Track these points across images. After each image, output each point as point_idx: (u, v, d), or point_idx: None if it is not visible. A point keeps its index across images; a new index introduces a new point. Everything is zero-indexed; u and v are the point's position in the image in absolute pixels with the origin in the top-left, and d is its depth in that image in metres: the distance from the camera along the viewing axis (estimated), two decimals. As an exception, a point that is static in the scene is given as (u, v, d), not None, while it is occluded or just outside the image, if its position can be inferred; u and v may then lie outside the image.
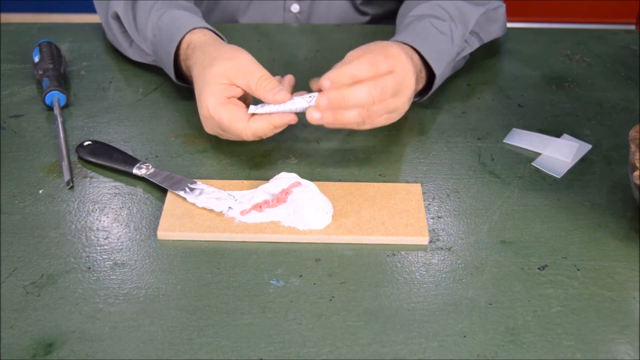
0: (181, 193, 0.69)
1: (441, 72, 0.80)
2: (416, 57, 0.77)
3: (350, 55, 0.71)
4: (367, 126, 0.71)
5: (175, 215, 0.67)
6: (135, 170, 0.72)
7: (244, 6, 1.05)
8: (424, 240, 0.65)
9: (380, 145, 0.78)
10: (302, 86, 0.88)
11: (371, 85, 0.67)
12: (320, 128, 0.81)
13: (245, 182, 0.71)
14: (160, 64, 0.85)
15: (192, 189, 0.69)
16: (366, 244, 0.65)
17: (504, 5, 0.92)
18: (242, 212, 0.67)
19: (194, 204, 0.68)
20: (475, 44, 0.88)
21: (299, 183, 0.68)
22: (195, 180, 0.70)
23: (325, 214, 0.66)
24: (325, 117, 0.68)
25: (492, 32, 0.91)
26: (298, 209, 0.65)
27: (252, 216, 0.66)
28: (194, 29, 0.80)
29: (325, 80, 0.68)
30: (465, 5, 0.86)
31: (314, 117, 0.68)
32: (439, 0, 0.85)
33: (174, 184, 0.70)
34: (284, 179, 0.69)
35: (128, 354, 0.55)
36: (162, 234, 0.65)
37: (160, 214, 0.67)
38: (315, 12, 1.06)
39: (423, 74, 0.79)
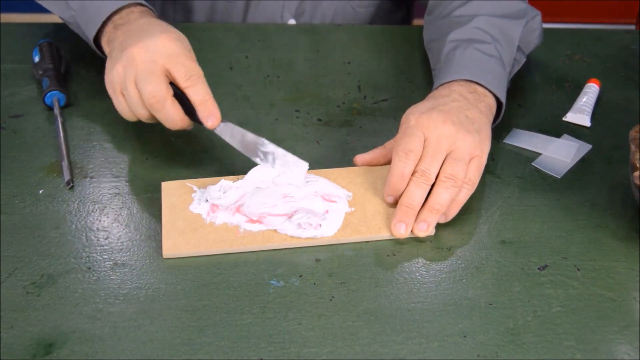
0: (258, 160, 0.68)
1: (505, 98, 0.77)
2: (479, 88, 0.74)
3: (391, 143, 0.72)
4: (464, 193, 0.67)
5: (177, 231, 0.65)
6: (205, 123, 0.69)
7: (240, 20, 1.06)
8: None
9: (380, 145, 0.78)
10: (302, 86, 0.89)
11: (417, 177, 0.65)
12: (320, 128, 0.81)
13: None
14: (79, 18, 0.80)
15: (265, 154, 0.68)
16: (366, 243, 0.65)
17: (540, 14, 0.87)
18: (250, 221, 0.66)
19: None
20: (522, 59, 0.85)
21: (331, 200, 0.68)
22: (263, 139, 0.69)
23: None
24: (416, 227, 0.66)
25: (531, 43, 0.87)
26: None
27: (258, 225, 0.66)
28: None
29: (389, 196, 0.67)
30: (503, 22, 0.82)
31: (400, 232, 0.65)
32: (476, 19, 0.81)
33: (246, 146, 0.69)
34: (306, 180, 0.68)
35: (128, 354, 0.55)
36: (168, 253, 0.63)
37: (160, 214, 0.67)
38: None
39: (490, 101, 0.75)
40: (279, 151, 0.68)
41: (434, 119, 0.67)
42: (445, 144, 0.66)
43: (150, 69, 0.68)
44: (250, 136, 0.69)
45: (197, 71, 0.68)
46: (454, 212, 0.66)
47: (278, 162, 0.68)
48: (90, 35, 0.78)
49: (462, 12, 0.84)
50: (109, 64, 0.72)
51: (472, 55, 0.77)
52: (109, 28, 0.77)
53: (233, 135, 0.70)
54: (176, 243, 0.64)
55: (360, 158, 0.72)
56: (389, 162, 0.71)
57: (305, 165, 0.68)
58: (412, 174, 0.65)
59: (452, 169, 0.65)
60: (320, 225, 0.65)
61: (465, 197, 0.67)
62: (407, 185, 0.65)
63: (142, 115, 0.70)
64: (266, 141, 0.68)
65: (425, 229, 0.65)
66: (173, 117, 0.68)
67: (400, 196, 0.66)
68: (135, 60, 0.68)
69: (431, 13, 0.92)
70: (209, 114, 0.68)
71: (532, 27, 0.86)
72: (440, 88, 0.75)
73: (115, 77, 0.70)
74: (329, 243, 0.65)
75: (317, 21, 1.07)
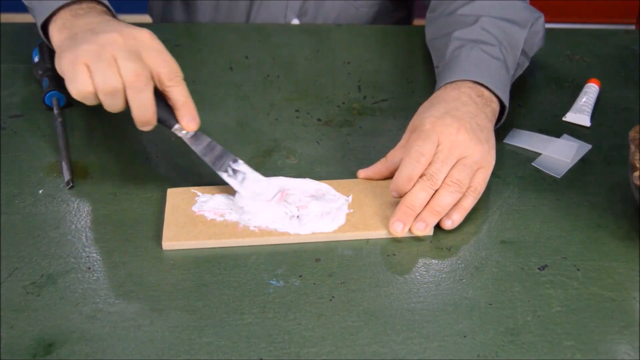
0: (224, 176, 0.68)
1: (508, 102, 0.77)
2: (486, 91, 0.74)
3: (393, 154, 0.71)
4: (470, 200, 0.67)
5: (178, 225, 0.65)
6: (175, 128, 0.66)
7: (244, 20, 1.07)
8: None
9: (380, 145, 0.78)
10: (302, 86, 0.89)
11: (424, 180, 0.65)
12: (320, 128, 0.81)
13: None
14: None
15: (235, 171, 0.68)
16: (366, 243, 0.65)
17: (542, 16, 0.87)
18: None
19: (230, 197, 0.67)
20: (525, 63, 0.85)
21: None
22: (237, 158, 0.69)
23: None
24: (415, 227, 0.66)
25: (534, 45, 0.87)
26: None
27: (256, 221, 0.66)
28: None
29: (394, 192, 0.67)
30: (508, 25, 0.82)
31: (397, 231, 0.65)
32: (481, 20, 0.81)
33: (216, 160, 0.68)
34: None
35: (128, 354, 0.55)
36: (167, 244, 0.64)
37: (161, 214, 0.67)
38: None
39: (495, 106, 0.75)
40: (253, 174, 0.68)
41: (448, 125, 0.67)
42: (457, 151, 0.67)
43: (135, 53, 0.63)
44: (221, 149, 0.68)
45: (180, 73, 0.66)
46: (460, 218, 0.67)
47: (248, 184, 0.68)
48: (42, 15, 0.72)
49: (466, 11, 0.84)
50: (69, 43, 0.65)
51: (479, 56, 0.77)
52: (65, 14, 0.71)
53: (202, 144, 0.68)
54: (176, 235, 0.64)
55: (362, 172, 0.72)
56: (391, 176, 0.70)
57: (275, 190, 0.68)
58: (420, 176, 0.66)
59: (459, 174, 0.66)
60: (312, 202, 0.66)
61: (471, 204, 0.67)
62: (413, 186, 0.66)
63: (111, 88, 0.62)
64: (241, 161, 0.69)
65: (423, 229, 0.65)
66: (149, 104, 0.63)
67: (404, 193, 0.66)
68: (117, 43, 0.63)
69: (434, 11, 0.92)
70: (192, 117, 0.66)
71: (536, 30, 0.86)
72: (449, 88, 0.74)
73: (85, 50, 0.62)
74: (327, 240, 0.65)
75: (321, 21, 1.07)
